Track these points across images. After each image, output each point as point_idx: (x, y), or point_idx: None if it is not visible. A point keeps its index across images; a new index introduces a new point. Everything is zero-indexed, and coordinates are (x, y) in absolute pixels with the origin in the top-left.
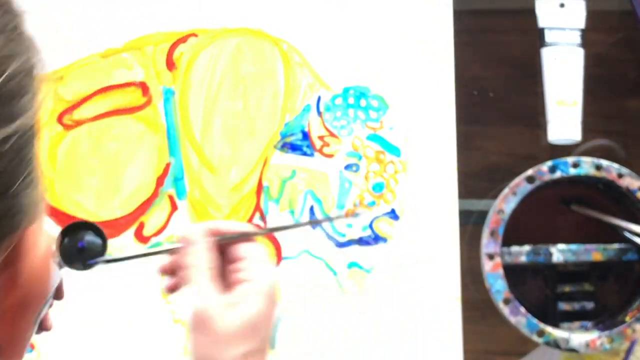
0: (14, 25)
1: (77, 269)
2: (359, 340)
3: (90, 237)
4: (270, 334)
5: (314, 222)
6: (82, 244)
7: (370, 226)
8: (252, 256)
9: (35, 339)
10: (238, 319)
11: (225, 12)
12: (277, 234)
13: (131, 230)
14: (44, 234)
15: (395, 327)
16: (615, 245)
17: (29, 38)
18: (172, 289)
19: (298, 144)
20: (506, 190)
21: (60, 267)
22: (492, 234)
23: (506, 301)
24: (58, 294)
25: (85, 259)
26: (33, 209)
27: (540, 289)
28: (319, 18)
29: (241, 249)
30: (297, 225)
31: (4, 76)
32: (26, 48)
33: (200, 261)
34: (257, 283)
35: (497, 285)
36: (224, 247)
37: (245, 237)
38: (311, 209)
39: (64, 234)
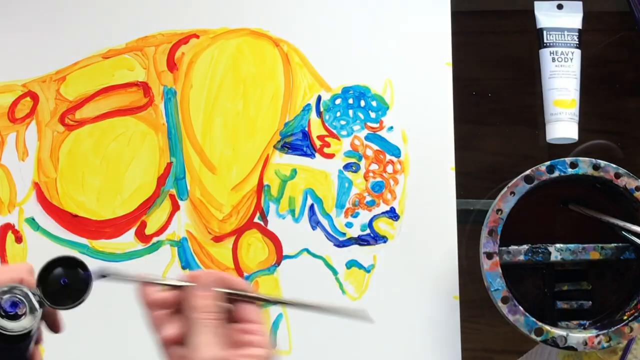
0: None
1: (64, 307)
2: (359, 340)
3: (71, 272)
4: None
5: (325, 310)
6: (64, 281)
7: (370, 225)
8: (263, 323)
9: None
10: None
11: (226, 12)
12: (277, 233)
13: (132, 230)
14: None
15: (394, 326)
16: (613, 245)
17: None
18: (173, 341)
19: (298, 144)
20: (504, 190)
21: (43, 306)
22: (491, 233)
23: (504, 300)
24: (55, 328)
25: (72, 295)
26: None
27: (539, 288)
28: (319, 18)
29: (253, 313)
30: (308, 306)
31: None
32: None
33: (209, 308)
34: (264, 351)
35: (496, 284)
36: (230, 303)
37: (257, 300)
38: (311, 207)
39: (45, 272)
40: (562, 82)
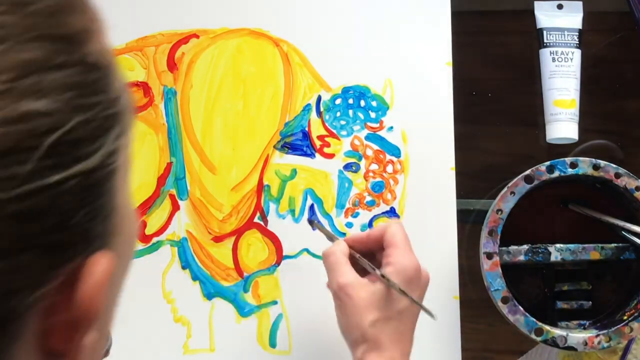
0: (92, 79)
1: None
2: None
3: None
4: (408, 308)
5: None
6: None
7: (370, 225)
8: (392, 244)
9: None
10: (369, 293)
11: (226, 12)
12: (277, 233)
13: None
14: (106, 261)
15: None
16: (613, 245)
17: (112, 89)
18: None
19: (298, 144)
20: (504, 190)
21: None
22: (491, 233)
23: (504, 300)
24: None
25: None
26: (101, 238)
27: (539, 288)
28: (319, 18)
29: (386, 238)
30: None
31: (60, 131)
32: (98, 103)
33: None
34: (391, 266)
35: (496, 284)
36: (375, 242)
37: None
38: (311, 207)
39: None
40: (562, 82)
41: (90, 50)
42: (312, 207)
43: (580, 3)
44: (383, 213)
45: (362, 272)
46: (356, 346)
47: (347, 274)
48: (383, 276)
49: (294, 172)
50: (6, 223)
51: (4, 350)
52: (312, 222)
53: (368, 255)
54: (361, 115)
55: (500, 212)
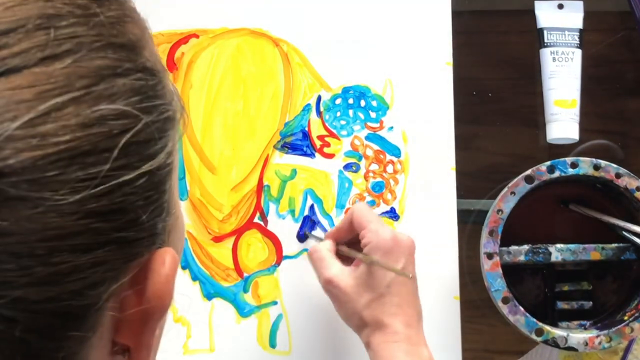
0: (152, 84)
1: None
2: (359, 340)
3: None
4: (395, 279)
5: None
6: None
7: None
8: (361, 226)
9: None
10: (355, 279)
11: (226, 12)
12: (277, 233)
13: None
14: (170, 256)
15: None
16: (614, 245)
17: (167, 92)
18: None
19: (298, 144)
20: (505, 190)
21: None
22: (491, 233)
23: (505, 300)
24: None
25: None
26: (162, 235)
27: (539, 288)
28: (319, 18)
29: (354, 222)
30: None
31: (131, 132)
32: (159, 105)
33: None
34: (367, 246)
35: (496, 285)
36: (350, 230)
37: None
38: (311, 207)
39: None
40: (562, 82)
41: (147, 57)
42: (312, 207)
43: (581, 3)
44: (383, 213)
45: (350, 262)
46: (360, 332)
47: (331, 267)
48: (363, 258)
49: (294, 172)
50: (87, 220)
51: (83, 342)
52: (305, 235)
53: (356, 243)
54: (361, 115)
55: (500, 212)
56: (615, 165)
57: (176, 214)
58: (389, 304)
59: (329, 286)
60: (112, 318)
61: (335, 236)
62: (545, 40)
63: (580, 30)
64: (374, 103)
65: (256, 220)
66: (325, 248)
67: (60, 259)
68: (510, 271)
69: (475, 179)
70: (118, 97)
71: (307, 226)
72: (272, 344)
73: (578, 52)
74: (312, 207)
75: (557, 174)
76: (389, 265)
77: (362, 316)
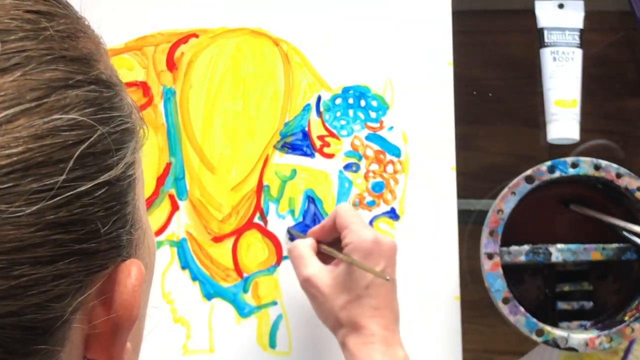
0: (108, 96)
1: None
2: None
3: None
4: (374, 282)
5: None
6: None
7: (370, 225)
8: (343, 226)
9: None
10: (333, 279)
11: (226, 12)
12: (277, 233)
13: None
14: (136, 267)
15: None
16: (614, 245)
17: (125, 105)
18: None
19: (298, 144)
20: (505, 190)
21: None
22: (492, 233)
23: (505, 300)
24: None
25: None
26: (127, 247)
27: (540, 289)
28: (319, 18)
29: (337, 223)
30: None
31: (87, 143)
32: (116, 117)
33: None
34: (348, 246)
35: (497, 285)
36: (333, 230)
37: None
38: (311, 208)
39: None
40: (563, 81)
41: (102, 69)
42: (312, 207)
43: (582, 2)
44: (383, 213)
45: (331, 261)
46: (336, 332)
47: (310, 266)
48: (343, 258)
49: (294, 172)
50: (46, 232)
51: (51, 358)
52: (289, 232)
53: (338, 243)
54: (361, 115)
55: (501, 213)
56: (615, 165)
57: (143, 227)
58: (366, 306)
59: (306, 284)
60: (80, 331)
61: (318, 234)
62: (546, 40)
63: (581, 30)
64: (374, 103)
65: (256, 220)
66: (306, 246)
67: (20, 272)
68: (511, 271)
69: (475, 179)
70: (71, 108)
71: (295, 225)
72: (272, 345)
73: (578, 52)
74: (312, 207)
75: (557, 174)
76: (367, 267)
77: (338, 317)
